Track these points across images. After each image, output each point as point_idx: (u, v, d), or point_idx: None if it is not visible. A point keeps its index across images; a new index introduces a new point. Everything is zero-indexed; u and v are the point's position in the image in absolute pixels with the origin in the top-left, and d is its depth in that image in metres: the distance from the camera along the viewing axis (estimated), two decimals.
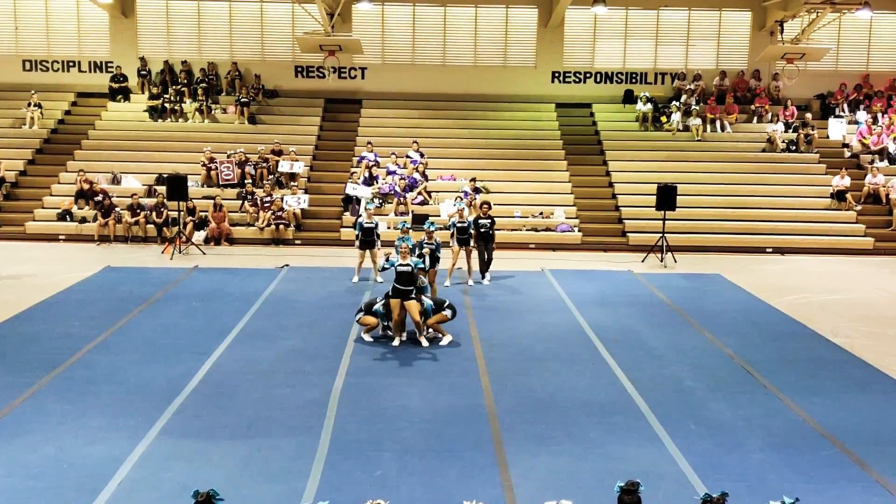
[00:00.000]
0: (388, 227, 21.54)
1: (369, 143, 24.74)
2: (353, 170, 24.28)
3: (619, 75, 28.21)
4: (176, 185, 20.39)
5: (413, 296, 12.58)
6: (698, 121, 26.26)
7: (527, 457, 8.64)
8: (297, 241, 22.01)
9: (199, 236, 21.35)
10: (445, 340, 12.67)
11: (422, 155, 24.51)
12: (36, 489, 7.76)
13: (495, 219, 17.67)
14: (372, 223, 16.92)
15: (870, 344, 13.24)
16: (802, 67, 25.63)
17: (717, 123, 26.68)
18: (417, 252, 14.31)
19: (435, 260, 15.19)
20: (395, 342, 12.57)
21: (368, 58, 27.53)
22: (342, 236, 22.09)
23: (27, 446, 8.62)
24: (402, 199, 22.83)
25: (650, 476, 7.88)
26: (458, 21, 27.92)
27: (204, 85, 27.00)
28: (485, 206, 17.73)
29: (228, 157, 23.87)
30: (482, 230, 17.11)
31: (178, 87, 27.05)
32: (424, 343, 12.56)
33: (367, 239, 16.82)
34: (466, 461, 8.51)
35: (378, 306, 12.79)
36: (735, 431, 9.45)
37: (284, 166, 23.87)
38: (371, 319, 12.78)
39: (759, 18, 27.73)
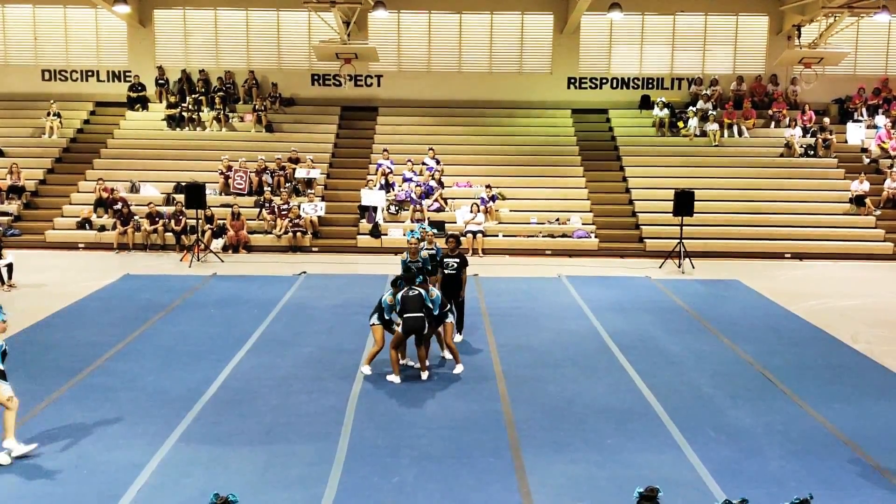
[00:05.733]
0: (404, 234, 21.60)
1: (385, 150, 24.80)
2: (369, 177, 24.35)
3: (636, 81, 28.14)
4: (194, 194, 20.53)
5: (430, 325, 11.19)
6: (715, 126, 26.15)
7: (544, 464, 8.62)
8: (314, 249, 22.07)
9: (217, 244, 21.44)
10: (458, 369, 11.59)
11: (438, 162, 24.54)
12: (56, 495, 7.81)
13: (467, 258, 13.37)
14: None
15: (890, 350, 13.13)
16: (820, 72, 25.47)
17: (735, 128, 26.53)
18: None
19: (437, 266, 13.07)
20: (396, 379, 11.11)
21: (384, 65, 27.62)
22: (359, 243, 22.15)
23: (47, 453, 8.68)
24: (418, 206, 22.85)
25: (669, 483, 7.82)
26: (473, 28, 27.95)
27: (221, 93, 27.18)
28: (451, 240, 13.17)
29: (240, 165, 23.98)
30: (448, 271, 12.87)
31: (196, 95, 27.20)
32: (424, 377, 11.31)
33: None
34: (484, 468, 8.51)
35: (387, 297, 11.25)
36: (754, 438, 9.40)
37: (301, 174, 23.96)
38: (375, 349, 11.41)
39: (776, 23, 27.60)
